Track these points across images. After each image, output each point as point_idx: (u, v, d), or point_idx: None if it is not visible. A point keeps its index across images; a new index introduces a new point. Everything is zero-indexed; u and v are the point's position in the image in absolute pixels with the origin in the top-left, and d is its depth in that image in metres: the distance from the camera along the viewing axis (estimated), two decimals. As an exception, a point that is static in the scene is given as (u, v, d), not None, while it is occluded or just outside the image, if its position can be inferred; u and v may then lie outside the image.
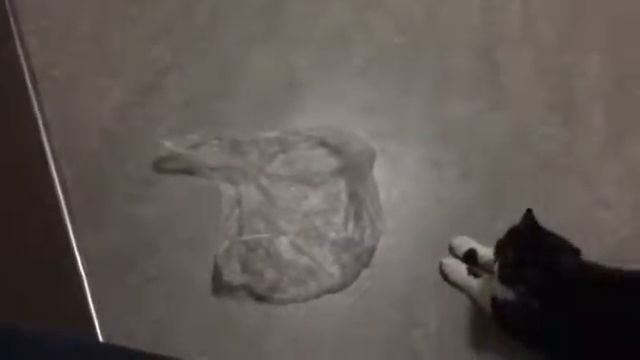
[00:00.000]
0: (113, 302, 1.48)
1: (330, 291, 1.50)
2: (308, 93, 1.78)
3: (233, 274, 1.48)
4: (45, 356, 0.91)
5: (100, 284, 1.51)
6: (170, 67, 1.81)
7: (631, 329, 1.24)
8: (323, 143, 1.68)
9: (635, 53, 1.84)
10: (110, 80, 1.79)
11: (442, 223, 1.58)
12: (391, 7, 1.92)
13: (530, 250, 1.27)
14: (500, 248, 1.32)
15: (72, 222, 1.57)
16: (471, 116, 1.73)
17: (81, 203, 1.60)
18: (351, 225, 1.56)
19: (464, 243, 1.51)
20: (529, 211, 1.31)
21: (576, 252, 1.27)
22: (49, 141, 1.68)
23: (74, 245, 1.54)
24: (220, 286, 1.49)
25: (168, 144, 1.61)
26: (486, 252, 1.44)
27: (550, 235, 1.30)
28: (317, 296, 1.49)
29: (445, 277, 1.50)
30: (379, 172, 1.63)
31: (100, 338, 1.43)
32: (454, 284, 1.49)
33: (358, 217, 1.56)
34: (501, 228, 1.33)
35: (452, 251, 1.52)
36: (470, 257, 1.49)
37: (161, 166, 1.65)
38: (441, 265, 1.51)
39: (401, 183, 1.65)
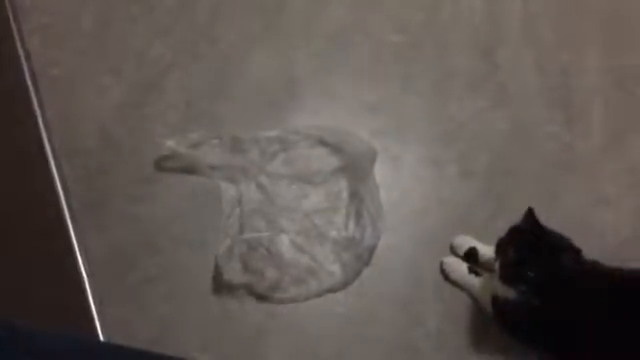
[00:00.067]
0: (114, 301, 1.49)
1: (331, 290, 1.50)
2: (309, 92, 1.78)
3: (234, 273, 1.48)
4: (46, 355, 0.91)
5: (101, 283, 1.51)
6: (171, 66, 1.81)
7: (632, 328, 1.24)
8: (323, 142, 1.68)
9: (635, 52, 1.84)
10: (111, 79, 1.79)
11: (443, 222, 1.58)
12: (391, 7, 1.92)
13: (531, 249, 1.27)
14: (501, 247, 1.32)
15: (73, 221, 1.57)
16: (472, 115, 1.73)
17: (82, 202, 1.60)
18: (352, 224, 1.56)
19: (465, 242, 1.51)
20: (530, 210, 1.31)
21: (577, 251, 1.28)
22: (49, 140, 1.68)
23: (75, 244, 1.54)
24: (221, 285, 1.50)
25: (169, 143, 1.61)
26: (487, 251, 1.44)
27: (551, 234, 1.30)
28: (318, 295, 1.49)
29: (446, 276, 1.50)
30: (380, 171, 1.62)
31: (101, 337, 1.44)
32: (455, 283, 1.49)
33: (359, 216, 1.56)
34: (502, 227, 1.33)
35: (453, 250, 1.53)
36: (471, 256, 1.49)
37: (162, 165, 1.65)
38: (442, 264, 1.51)
39: (402, 182, 1.65)
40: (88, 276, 1.51)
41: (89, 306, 1.47)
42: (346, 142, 1.65)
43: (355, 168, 1.62)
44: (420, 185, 1.65)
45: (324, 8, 1.91)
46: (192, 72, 1.81)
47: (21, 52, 1.81)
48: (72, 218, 1.58)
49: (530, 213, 1.31)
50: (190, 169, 1.63)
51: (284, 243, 1.53)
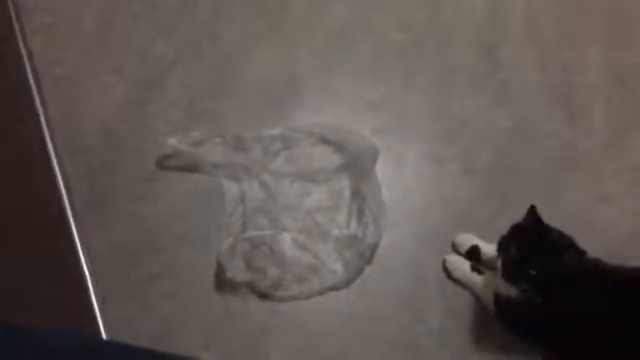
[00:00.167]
0: (116, 299, 1.49)
1: (333, 288, 1.50)
2: (311, 90, 1.78)
3: (236, 271, 1.49)
4: (48, 354, 0.91)
5: (103, 281, 1.51)
6: (173, 64, 1.81)
7: (634, 326, 1.24)
8: (325, 140, 1.68)
9: (637, 49, 1.83)
10: (113, 77, 1.79)
11: (445, 220, 1.58)
12: (393, 4, 1.92)
13: (533, 247, 1.27)
14: (503, 245, 1.32)
15: (75, 219, 1.58)
16: (474, 113, 1.73)
17: (84, 200, 1.61)
18: (354, 222, 1.56)
19: (467, 240, 1.51)
20: (532, 208, 1.31)
21: (581, 253, 1.27)
22: (52, 138, 1.68)
23: (77, 242, 1.55)
24: (223, 283, 1.50)
25: (171, 141, 1.61)
26: (489, 249, 1.44)
27: (553, 232, 1.30)
28: (320, 293, 1.49)
29: (448, 274, 1.50)
30: (382, 169, 1.63)
31: (104, 335, 1.44)
32: (457, 281, 1.49)
33: (361, 214, 1.56)
34: (504, 225, 1.33)
35: (455, 248, 1.53)
36: (473, 254, 1.49)
37: (164, 163, 1.65)
38: (444, 262, 1.51)
39: (404, 180, 1.65)
40: (90, 274, 1.51)
41: (91, 304, 1.48)
42: (348, 140, 1.65)
43: (357, 166, 1.62)
44: (422, 183, 1.65)
45: (326, 6, 1.91)
46: (194, 70, 1.81)
47: (24, 51, 1.81)
48: (74, 216, 1.58)
49: (532, 211, 1.30)
50: (192, 167, 1.64)
51: (286, 241, 1.54)
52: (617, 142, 1.68)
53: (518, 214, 1.33)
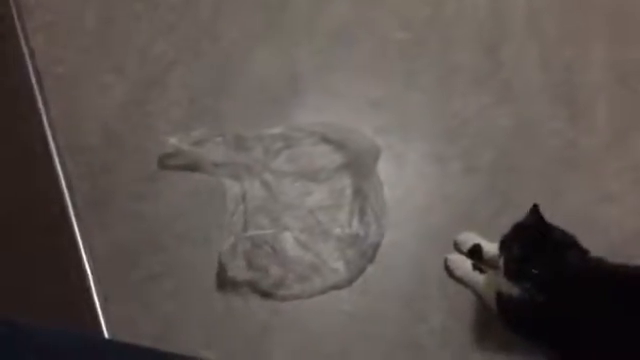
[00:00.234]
0: (118, 298, 1.49)
1: (335, 287, 1.50)
2: (312, 89, 1.78)
3: (238, 270, 1.49)
4: (50, 353, 0.91)
5: (105, 281, 1.51)
6: (173, 63, 1.81)
7: (636, 325, 1.23)
8: (326, 139, 1.68)
9: (639, 47, 1.83)
10: (114, 77, 1.79)
11: (447, 219, 1.58)
12: (395, 3, 1.92)
13: (535, 246, 1.27)
14: (505, 243, 1.31)
15: (77, 219, 1.58)
16: (476, 112, 1.72)
17: (86, 200, 1.61)
18: (356, 221, 1.56)
19: (469, 239, 1.51)
20: (535, 206, 1.30)
21: (584, 252, 1.27)
22: (54, 138, 1.69)
23: (79, 242, 1.55)
24: (225, 282, 1.50)
25: (172, 140, 1.61)
26: (491, 248, 1.44)
27: (555, 230, 1.29)
28: (322, 292, 1.49)
29: (450, 273, 1.50)
30: (384, 168, 1.62)
31: (105, 334, 1.44)
32: (459, 280, 1.49)
33: (363, 213, 1.56)
34: (506, 223, 1.33)
35: (457, 247, 1.52)
36: (475, 253, 1.49)
37: (165, 162, 1.65)
38: (446, 261, 1.51)
39: (406, 179, 1.65)
40: (92, 273, 1.51)
41: (93, 303, 1.48)
42: (349, 139, 1.65)
43: (359, 165, 1.62)
44: (424, 182, 1.65)
45: (327, 5, 1.91)
46: (195, 69, 1.81)
47: (25, 50, 1.81)
48: (76, 215, 1.58)
49: (535, 210, 1.30)
50: (193, 166, 1.64)
51: (288, 240, 1.53)
52: (619, 141, 1.68)
53: (520, 213, 1.33)
